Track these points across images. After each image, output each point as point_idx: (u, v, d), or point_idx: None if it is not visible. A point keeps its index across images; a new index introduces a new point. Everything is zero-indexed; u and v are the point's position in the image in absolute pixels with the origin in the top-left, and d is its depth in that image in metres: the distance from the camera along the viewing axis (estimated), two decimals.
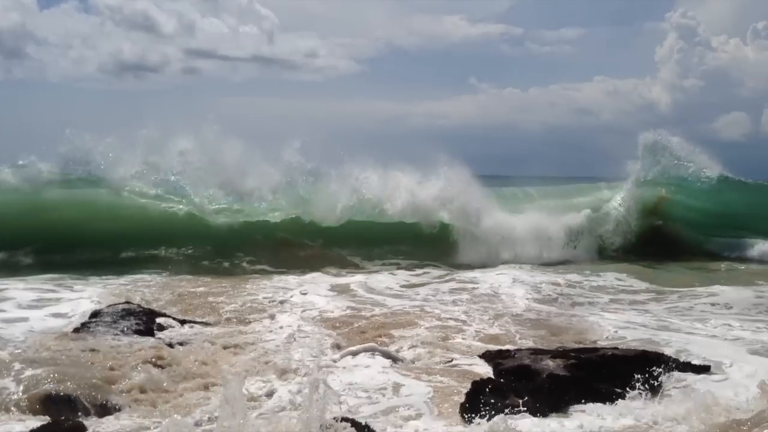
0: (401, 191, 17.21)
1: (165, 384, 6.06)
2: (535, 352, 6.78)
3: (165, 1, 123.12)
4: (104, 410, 5.33)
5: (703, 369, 6.64)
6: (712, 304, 10.86)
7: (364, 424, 4.99)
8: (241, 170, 16.87)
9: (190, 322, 8.65)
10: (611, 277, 13.69)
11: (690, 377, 6.35)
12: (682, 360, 6.78)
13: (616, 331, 8.73)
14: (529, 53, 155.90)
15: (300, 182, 17.34)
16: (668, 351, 7.36)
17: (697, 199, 19.27)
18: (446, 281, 13.13)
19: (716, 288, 12.02)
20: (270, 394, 6.02)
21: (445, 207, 17.23)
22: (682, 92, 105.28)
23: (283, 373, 6.59)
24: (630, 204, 18.60)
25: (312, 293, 11.32)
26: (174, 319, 8.56)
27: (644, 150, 19.31)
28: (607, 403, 5.66)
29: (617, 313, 10.17)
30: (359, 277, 13.38)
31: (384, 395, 6.07)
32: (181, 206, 16.46)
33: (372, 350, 7.28)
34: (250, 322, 9.05)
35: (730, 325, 9.30)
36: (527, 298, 11.12)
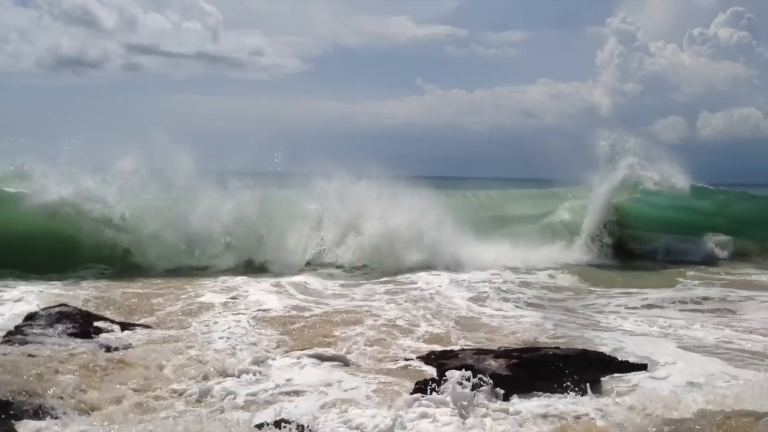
0: (365, 238, 15.74)
1: (101, 388, 5.89)
2: (479, 352, 6.87)
3: None
4: (37, 415, 5.16)
5: (640, 367, 6.88)
6: (642, 302, 11.48)
7: (306, 426, 4.99)
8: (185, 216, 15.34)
9: (129, 324, 8.45)
10: (543, 275, 14.45)
11: (628, 375, 6.56)
12: (620, 359, 7.02)
13: (554, 331, 9.02)
14: (474, 55, 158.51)
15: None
16: (604, 349, 7.66)
17: (648, 204, 19.68)
18: (385, 283, 13.13)
19: (645, 288, 12.81)
20: (205, 395, 5.93)
21: (416, 247, 15.48)
22: (622, 96, 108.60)
23: (220, 374, 6.52)
24: (596, 213, 18.68)
25: (255, 293, 11.27)
26: (112, 322, 8.34)
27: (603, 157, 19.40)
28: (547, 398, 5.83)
29: (543, 311, 10.66)
30: (301, 278, 13.38)
31: (326, 395, 6.06)
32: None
33: (317, 357, 7.24)
34: (191, 324, 8.91)
35: (656, 322, 9.79)
36: (465, 299, 11.34)
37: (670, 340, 8.64)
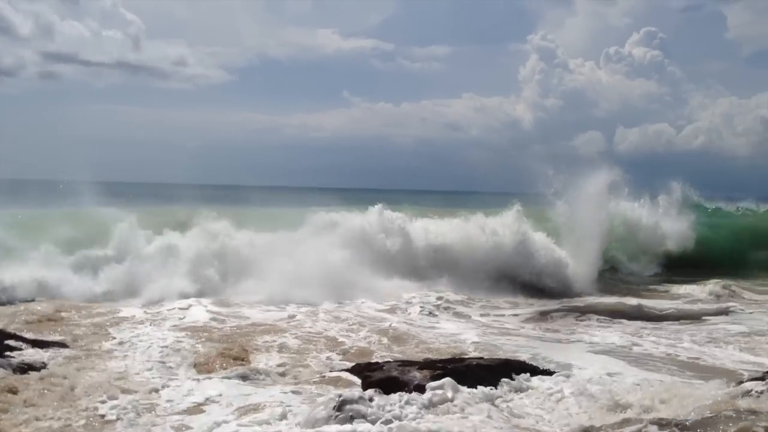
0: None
1: (11, 409, 5.61)
2: (404, 363, 6.91)
3: (21, 1, 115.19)
4: None
5: (556, 372, 7.08)
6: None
7: None
8: None
9: (43, 343, 8.07)
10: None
11: (547, 380, 6.74)
12: (541, 367, 7.20)
13: (477, 341, 9.20)
14: (400, 69, 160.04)
15: None
16: (523, 357, 7.91)
17: None
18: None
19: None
20: (120, 413, 5.74)
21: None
22: (543, 111, 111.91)
23: (137, 390, 6.35)
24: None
25: (175, 306, 11.02)
26: (25, 340, 7.96)
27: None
28: None
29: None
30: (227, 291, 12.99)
31: (251, 409, 5.96)
32: None
33: (240, 376, 7.11)
34: (108, 339, 8.60)
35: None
36: (393, 313, 11.37)
37: (581, 344, 9.39)
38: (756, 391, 5.40)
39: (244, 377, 6.99)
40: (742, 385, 5.71)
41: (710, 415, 4.73)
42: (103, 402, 5.95)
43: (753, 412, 4.67)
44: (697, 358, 8.66)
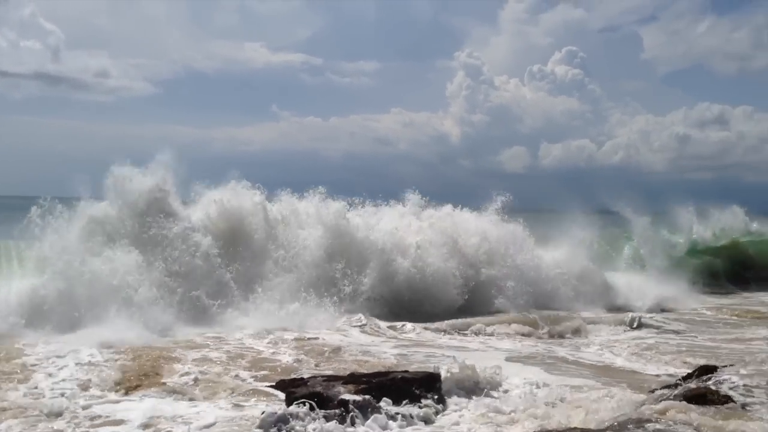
0: None
1: None
2: (329, 379, 6.86)
3: None
4: None
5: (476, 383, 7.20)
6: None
7: None
8: None
9: None
10: None
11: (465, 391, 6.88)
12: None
13: (405, 356, 9.26)
14: (329, 83, 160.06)
15: None
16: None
17: None
18: None
19: None
20: None
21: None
22: (470, 126, 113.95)
23: (49, 414, 6.11)
24: None
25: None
26: None
27: None
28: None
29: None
30: None
31: (161, 429, 5.83)
32: None
33: (158, 393, 6.92)
34: (14, 360, 8.22)
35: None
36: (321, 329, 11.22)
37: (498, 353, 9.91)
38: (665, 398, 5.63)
39: (161, 394, 6.81)
40: (653, 393, 5.96)
41: (621, 422, 4.89)
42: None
43: (661, 418, 4.86)
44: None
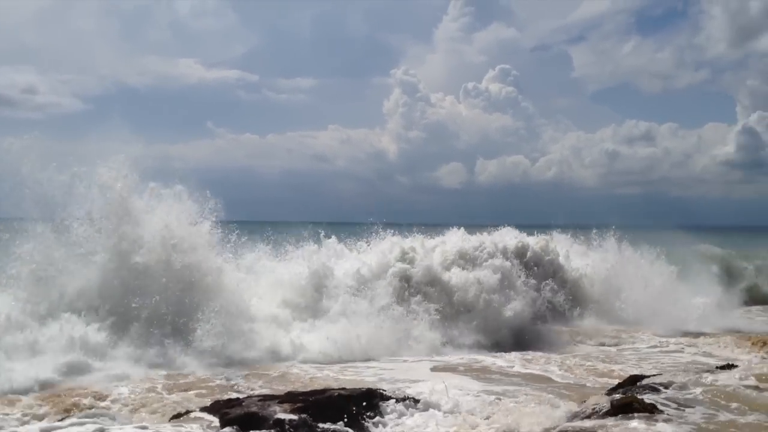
0: None
1: None
2: (264, 398, 6.78)
3: None
4: None
5: (414, 400, 7.21)
6: None
7: None
8: None
9: None
10: None
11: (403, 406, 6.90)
12: (400, 395, 7.31)
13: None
14: (266, 100, 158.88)
15: None
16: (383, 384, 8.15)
17: None
18: None
19: None
20: None
21: None
22: (407, 143, 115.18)
23: None
24: None
25: None
26: None
27: None
28: None
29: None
30: None
31: None
32: None
33: (88, 417, 6.69)
34: None
35: None
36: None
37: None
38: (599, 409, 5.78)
39: (92, 418, 6.59)
40: (585, 403, 6.10)
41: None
42: None
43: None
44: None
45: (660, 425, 5.11)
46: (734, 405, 5.80)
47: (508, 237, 17.45)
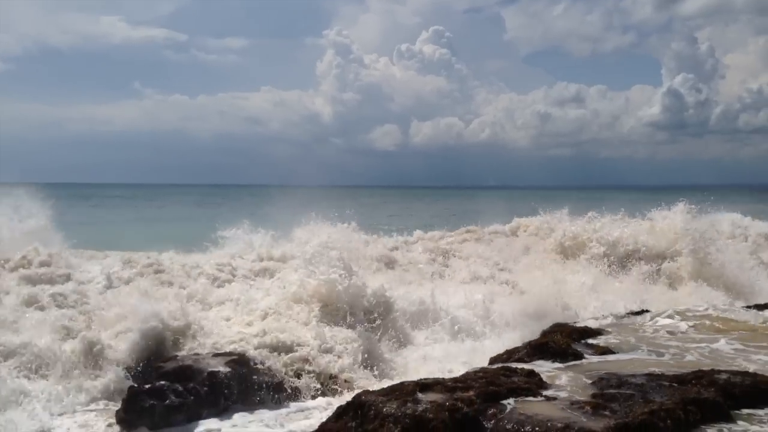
0: None
1: None
2: (199, 354, 6.86)
3: None
4: None
5: None
6: None
7: None
8: None
9: None
10: None
11: None
12: None
13: None
14: (195, 60, 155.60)
15: None
16: None
17: None
18: None
19: None
20: None
21: None
22: (342, 105, 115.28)
23: None
24: None
25: None
26: None
27: None
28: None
29: None
30: None
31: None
32: None
33: None
34: None
35: None
36: None
37: None
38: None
39: None
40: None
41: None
42: None
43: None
44: None
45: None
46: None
47: None
